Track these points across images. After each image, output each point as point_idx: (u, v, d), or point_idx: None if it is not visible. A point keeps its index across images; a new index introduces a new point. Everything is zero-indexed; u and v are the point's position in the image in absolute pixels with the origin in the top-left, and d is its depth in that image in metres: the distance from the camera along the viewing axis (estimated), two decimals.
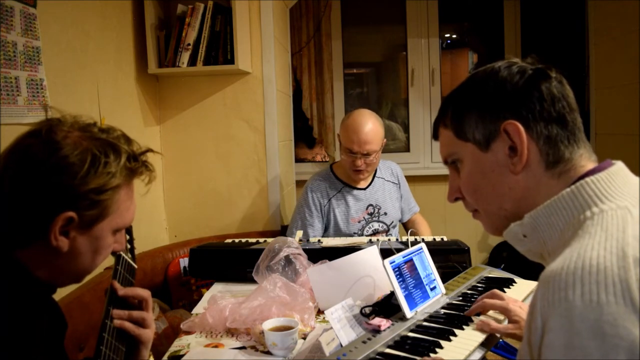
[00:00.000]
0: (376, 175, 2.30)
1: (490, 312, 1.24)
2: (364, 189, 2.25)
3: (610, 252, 0.58)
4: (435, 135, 0.88)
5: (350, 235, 2.19)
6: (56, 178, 0.83)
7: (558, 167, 0.73)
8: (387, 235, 2.24)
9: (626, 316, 0.53)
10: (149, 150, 0.98)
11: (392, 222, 2.28)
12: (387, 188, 2.30)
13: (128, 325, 0.96)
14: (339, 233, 2.20)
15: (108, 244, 0.94)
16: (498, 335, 1.19)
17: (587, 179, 0.70)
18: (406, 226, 2.44)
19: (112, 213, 0.90)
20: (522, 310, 1.16)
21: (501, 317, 1.23)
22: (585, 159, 0.74)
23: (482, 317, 1.21)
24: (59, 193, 0.84)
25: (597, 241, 0.60)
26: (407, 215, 2.40)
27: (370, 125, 2.09)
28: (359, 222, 2.21)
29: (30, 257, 0.87)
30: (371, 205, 2.24)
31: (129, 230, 1.19)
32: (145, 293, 1.01)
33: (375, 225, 2.23)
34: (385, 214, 2.25)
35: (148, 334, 0.99)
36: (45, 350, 0.87)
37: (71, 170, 0.84)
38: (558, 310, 0.57)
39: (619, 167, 0.72)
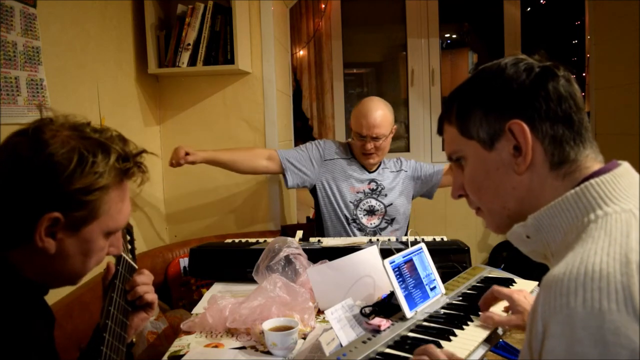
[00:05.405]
0: (383, 165, 2.31)
1: (493, 309, 1.25)
2: (372, 171, 2.26)
3: (613, 258, 0.56)
4: (440, 131, 0.86)
5: (343, 206, 2.18)
6: (41, 177, 0.81)
7: (563, 168, 0.72)
8: (384, 221, 2.22)
9: (628, 324, 0.52)
10: (144, 151, 0.95)
11: (391, 203, 2.23)
12: (393, 177, 2.28)
13: (151, 296, 1.11)
14: (333, 196, 2.17)
15: (99, 247, 0.91)
16: (500, 333, 1.19)
17: (592, 181, 0.68)
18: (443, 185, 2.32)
19: (101, 215, 0.87)
20: (526, 301, 1.15)
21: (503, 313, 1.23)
22: (591, 160, 0.73)
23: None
24: (44, 193, 0.81)
25: (601, 246, 0.59)
26: (438, 176, 2.30)
27: (380, 111, 2.15)
28: (358, 193, 2.20)
29: (20, 258, 0.85)
30: (375, 181, 2.23)
31: (129, 231, 1.19)
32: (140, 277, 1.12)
33: (373, 202, 2.20)
34: (386, 195, 2.23)
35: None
36: (36, 348, 0.87)
37: (57, 169, 0.81)
38: (559, 317, 0.56)
39: (625, 168, 0.71)
